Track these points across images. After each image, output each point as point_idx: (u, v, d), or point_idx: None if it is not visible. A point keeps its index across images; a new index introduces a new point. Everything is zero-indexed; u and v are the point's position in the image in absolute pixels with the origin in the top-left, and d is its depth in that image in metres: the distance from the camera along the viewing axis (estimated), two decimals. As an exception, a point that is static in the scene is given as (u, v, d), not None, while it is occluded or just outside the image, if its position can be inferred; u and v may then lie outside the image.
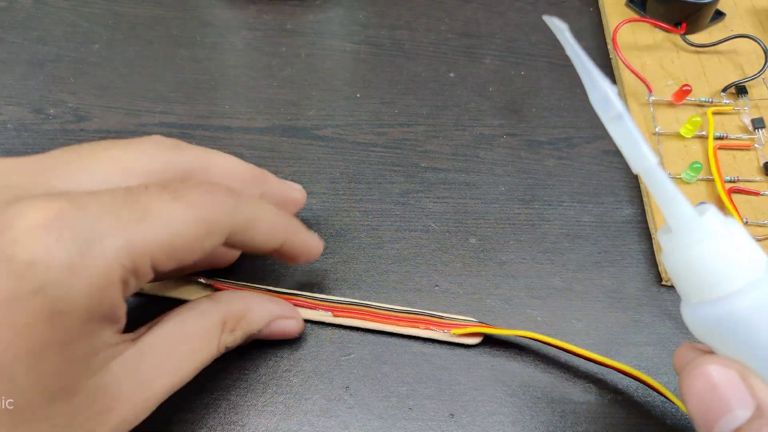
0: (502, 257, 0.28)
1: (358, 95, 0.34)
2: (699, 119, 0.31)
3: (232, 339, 0.21)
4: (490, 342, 0.25)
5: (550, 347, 0.25)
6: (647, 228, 0.29)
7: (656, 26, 0.37)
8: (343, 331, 0.25)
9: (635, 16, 0.38)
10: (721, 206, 0.29)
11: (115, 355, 0.17)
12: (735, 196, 0.29)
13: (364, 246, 0.28)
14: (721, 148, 0.31)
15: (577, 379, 0.24)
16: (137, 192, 0.16)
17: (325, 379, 0.24)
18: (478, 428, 0.23)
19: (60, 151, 0.18)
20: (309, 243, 0.23)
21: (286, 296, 0.25)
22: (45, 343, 0.14)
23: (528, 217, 0.29)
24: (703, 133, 0.32)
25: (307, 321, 0.25)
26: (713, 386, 0.14)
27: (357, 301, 0.25)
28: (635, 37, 0.37)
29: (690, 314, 0.16)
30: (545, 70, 0.36)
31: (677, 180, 0.30)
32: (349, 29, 0.38)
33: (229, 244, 0.19)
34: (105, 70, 0.34)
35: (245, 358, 0.24)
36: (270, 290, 0.25)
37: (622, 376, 0.24)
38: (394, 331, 0.25)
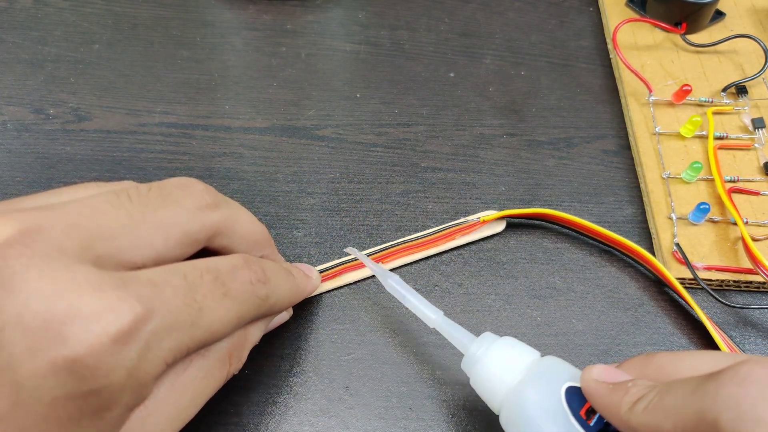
0: (502, 257, 0.28)
1: (358, 95, 0.34)
2: (699, 119, 0.31)
3: (239, 365, 0.21)
4: (490, 342, 0.25)
5: (548, 339, 0.25)
6: (647, 228, 0.29)
7: (656, 26, 0.37)
8: (343, 331, 0.25)
9: (635, 16, 0.38)
10: (721, 206, 0.29)
11: (124, 421, 0.17)
12: (735, 196, 0.29)
13: (364, 246, 0.28)
14: (721, 147, 0.31)
15: (577, 378, 0.24)
16: (194, 287, 0.17)
17: (325, 379, 0.24)
18: (478, 428, 0.23)
19: (107, 205, 0.17)
20: (308, 293, 0.24)
21: (336, 268, 0.27)
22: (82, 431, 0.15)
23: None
24: (703, 132, 0.32)
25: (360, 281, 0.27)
26: None
27: (389, 244, 0.28)
28: (635, 37, 0.37)
29: (500, 421, 0.20)
30: (545, 70, 0.36)
31: (677, 180, 0.30)
32: (349, 29, 0.38)
33: None
34: (105, 70, 0.34)
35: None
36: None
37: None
38: (437, 251, 0.28)
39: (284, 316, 0.24)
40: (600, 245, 0.28)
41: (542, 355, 0.20)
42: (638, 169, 0.31)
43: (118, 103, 0.33)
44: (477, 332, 0.25)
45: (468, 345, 0.20)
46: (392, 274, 0.22)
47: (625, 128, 0.33)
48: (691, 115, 0.31)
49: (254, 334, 0.22)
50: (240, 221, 0.21)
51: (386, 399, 0.24)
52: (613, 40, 0.35)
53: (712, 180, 0.29)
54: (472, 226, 0.28)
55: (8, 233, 0.15)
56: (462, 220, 0.28)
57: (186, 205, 0.19)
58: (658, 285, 0.27)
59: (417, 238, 0.28)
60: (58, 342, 0.14)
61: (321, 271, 0.26)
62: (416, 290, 0.27)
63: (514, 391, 0.19)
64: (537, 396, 0.18)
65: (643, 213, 0.30)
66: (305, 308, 0.26)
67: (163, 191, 0.19)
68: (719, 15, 0.38)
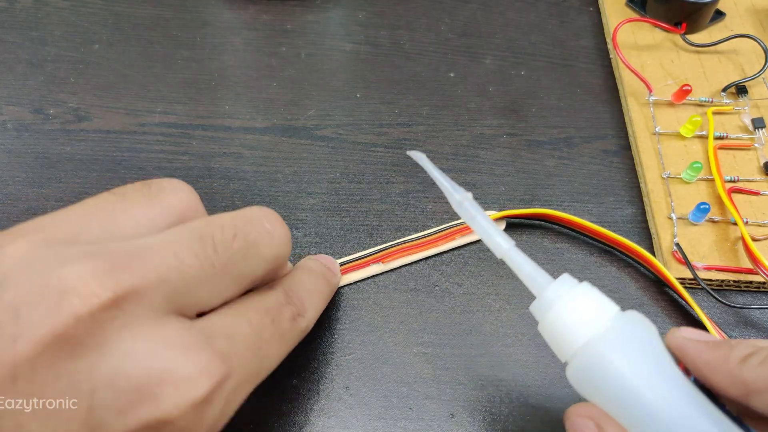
0: (502, 257, 0.28)
1: (358, 95, 0.34)
2: (699, 119, 0.31)
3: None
4: (489, 342, 0.25)
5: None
6: (647, 228, 0.29)
7: (656, 26, 0.37)
8: (343, 331, 0.25)
9: (635, 16, 0.38)
10: (721, 206, 0.29)
11: None
12: (735, 196, 0.29)
13: (364, 246, 0.28)
14: (721, 148, 0.31)
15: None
16: (259, 333, 0.18)
17: (325, 379, 0.24)
18: (478, 428, 0.23)
19: (194, 257, 0.17)
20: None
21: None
22: None
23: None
24: (704, 132, 0.32)
25: (360, 281, 0.27)
26: (573, 427, 0.17)
27: (389, 244, 0.28)
28: (635, 37, 0.37)
29: (566, 372, 0.18)
30: (545, 70, 0.36)
31: (677, 180, 0.30)
32: (348, 29, 0.38)
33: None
34: (105, 70, 0.34)
35: (245, 358, 0.24)
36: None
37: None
38: (437, 252, 0.28)
39: None
40: (600, 245, 0.28)
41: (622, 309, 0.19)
42: (638, 169, 0.31)
43: (118, 103, 0.33)
44: (478, 332, 0.25)
45: (544, 286, 0.18)
46: (463, 190, 0.20)
47: (625, 128, 0.33)
48: (691, 115, 0.31)
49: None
50: (301, 286, 0.22)
51: (386, 399, 0.24)
52: (613, 40, 0.35)
53: (712, 180, 0.29)
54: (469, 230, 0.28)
55: (104, 297, 0.14)
56: (462, 220, 0.28)
57: (266, 257, 0.19)
58: (658, 285, 0.27)
59: (417, 239, 0.28)
60: (150, 403, 0.14)
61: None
62: (416, 290, 0.27)
63: (599, 342, 0.17)
64: (632, 350, 0.17)
65: (643, 213, 0.30)
66: (305, 308, 0.26)
67: (249, 239, 0.18)
68: (719, 15, 0.38)
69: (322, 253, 0.28)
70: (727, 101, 0.33)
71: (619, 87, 0.35)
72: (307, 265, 0.23)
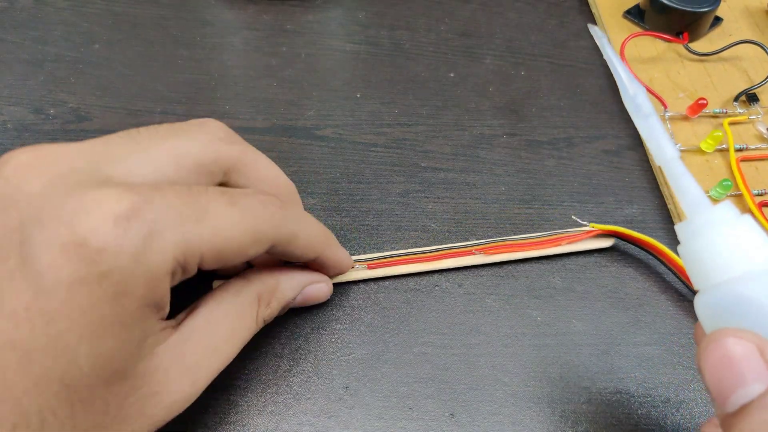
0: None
1: (358, 95, 0.34)
2: (721, 134, 0.30)
3: (269, 312, 0.22)
4: (489, 342, 0.25)
5: (548, 339, 0.25)
6: (647, 228, 0.29)
7: (659, 38, 0.36)
8: (343, 331, 0.25)
9: (633, 26, 0.38)
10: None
11: (161, 341, 0.18)
12: (766, 210, 0.28)
13: (364, 246, 0.28)
14: (743, 160, 0.30)
15: (578, 378, 0.24)
16: (198, 192, 0.18)
17: (325, 379, 0.24)
18: (478, 428, 0.23)
19: (119, 137, 0.19)
20: (340, 259, 0.24)
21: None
22: (106, 325, 0.15)
23: (528, 217, 0.29)
24: (724, 146, 0.31)
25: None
26: (730, 358, 0.14)
27: (499, 239, 0.27)
28: (638, 50, 0.37)
29: (699, 300, 0.17)
30: (545, 70, 0.36)
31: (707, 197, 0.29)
32: (348, 29, 0.38)
33: (269, 252, 0.20)
34: (105, 70, 0.34)
35: (245, 358, 0.24)
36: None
37: (622, 375, 0.24)
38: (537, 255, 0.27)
39: (324, 289, 0.24)
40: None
41: None
42: (664, 190, 0.30)
43: (118, 102, 0.33)
44: (478, 332, 0.25)
45: (703, 207, 0.17)
46: (638, 83, 0.19)
47: (624, 128, 0.33)
48: (713, 130, 0.30)
49: (286, 287, 0.22)
50: (259, 163, 0.21)
51: (386, 399, 0.24)
52: (622, 57, 0.34)
53: (740, 195, 0.29)
54: (579, 236, 0.27)
55: (22, 159, 0.16)
56: (567, 230, 0.28)
57: (198, 137, 0.19)
58: (658, 285, 0.27)
59: (518, 239, 0.27)
60: (67, 229, 0.15)
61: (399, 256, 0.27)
62: (416, 290, 0.27)
63: (753, 278, 0.16)
64: None
65: (644, 213, 0.30)
66: (305, 308, 0.26)
67: (175, 126, 0.19)
68: (717, 20, 0.38)
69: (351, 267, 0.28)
70: (741, 110, 0.33)
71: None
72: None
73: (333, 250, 0.23)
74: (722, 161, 0.31)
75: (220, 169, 0.20)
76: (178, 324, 0.19)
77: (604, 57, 0.20)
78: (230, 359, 0.20)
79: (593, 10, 0.40)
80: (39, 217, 0.15)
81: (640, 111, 0.18)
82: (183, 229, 0.16)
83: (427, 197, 0.30)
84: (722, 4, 0.38)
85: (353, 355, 0.25)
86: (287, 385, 0.24)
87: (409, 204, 0.30)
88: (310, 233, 0.21)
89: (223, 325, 0.20)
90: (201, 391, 0.19)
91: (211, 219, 0.17)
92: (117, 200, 0.16)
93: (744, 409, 0.13)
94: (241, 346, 0.20)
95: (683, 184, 0.18)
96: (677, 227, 0.18)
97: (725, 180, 0.28)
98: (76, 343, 0.15)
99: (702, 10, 0.35)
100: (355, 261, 0.26)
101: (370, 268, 0.26)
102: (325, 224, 0.28)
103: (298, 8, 0.38)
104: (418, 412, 0.23)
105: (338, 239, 0.28)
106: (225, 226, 0.17)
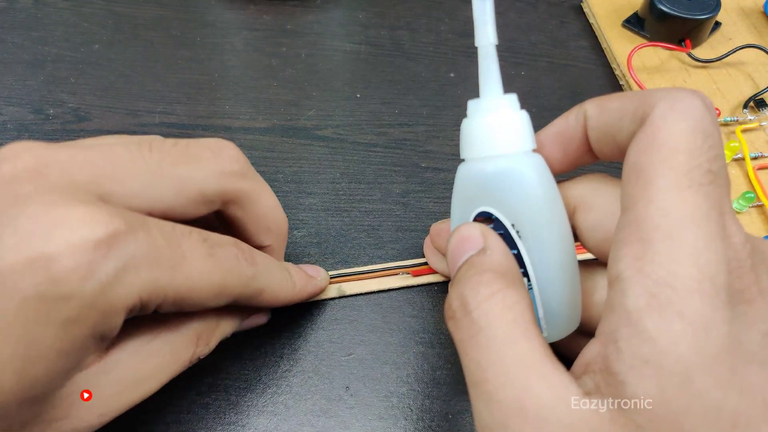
0: (503, 257, 0.28)
1: (358, 95, 0.34)
2: (737, 145, 0.30)
3: (207, 350, 0.21)
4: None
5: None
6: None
7: (662, 47, 0.36)
8: (343, 331, 0.25)
9: (633, 35, 0.37)
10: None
11: (82, 368, 0.17)
12: None
13: (364, 246, 0.28)
14: (759, 168, 0.30)
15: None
16: (181, 234, 0.17)
17: (325, 379, 0.24)
18: (479, 428, 0.23)
19: (128, 152, 0.17)
20: (299, 299, 0.24)
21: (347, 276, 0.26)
22: (44, 351, 0.15)
23: (528, 217, 0.29)
24: (738, 155, 0.30)
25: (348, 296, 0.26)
26: (462, 238, 0.19)
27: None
28: (641, 59, 0.36)
29: (464, 167, 0.20)
30: (545, 70, 0.36)
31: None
32: (349, 29, 0.38)
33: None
34: (105, 71, 0.34)
35: (245, 358, 0.24)
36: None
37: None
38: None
39: (261, 318, 0.24)
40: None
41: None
42: None
43: (118, 103, 0.33)
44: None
45: (496, 93, 0.20)
46: None
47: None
48: (729, 141, 0.30)
49: (227, 323, 0.21)
50: (262, 200, 0.21)
51: (386, 399, 0.24)
52: (629, 68, 0.33)
53: (762, 205, 0.29)
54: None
55: (20, 166, 0.15)
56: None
57: (208, 167, 0.19)
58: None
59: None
60: (41, 240, 0.14)
61: (333, 277, 0.26)
62: (416, 290, 0.27)
63: (528, 157, 0.19)
64: (548, 180, 0.20)
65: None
66: (305, 308, 0.26)
67: (189, 149, 0.19)
68: (716, 25, 0.38)
69: (321, 253, 0.28)
70: (751, 117, 0.32)
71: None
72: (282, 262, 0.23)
73: (299, 298, 0.23)
74: (739, 171, 0.30)
75: (221, 200, 0.19)
76: (106, 352, 0.18)
77: None
78: (150, 394, 0.19)
79: (590, 20, 0.39)
80: (16, 219, 0.15)
81: None
82: (157, 271, 0.16)
83: (428, 197, 0.30)
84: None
85: (353, 355, 0.25)
86: (287, 385, 0.24)
87: (409, 204, 0.30)
88: (276, 287, 0.21)
89: (151, 362, 0.19)
90: (106, 422, 0.18)
91: (185, 268, 0.17)
92: (103, 224, 0.15)
93: (463, 264, 0.18)
94: (166, 382, 0.19)
95: (488, 67, 0.20)
96: (469, 102, 0.20)
97: (747, 192, 0.28)
98: (5, 363, 0.14)
99: (703, 16, 0.35)
100: (332, 278, 0.26)
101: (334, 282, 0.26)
102: (325, 224, 0.29)
103: (298, 8, 0.38)
104: (418, 412, 0.23)
105: (338, 239, 0.28)
106: (197, 278, 0.17)
